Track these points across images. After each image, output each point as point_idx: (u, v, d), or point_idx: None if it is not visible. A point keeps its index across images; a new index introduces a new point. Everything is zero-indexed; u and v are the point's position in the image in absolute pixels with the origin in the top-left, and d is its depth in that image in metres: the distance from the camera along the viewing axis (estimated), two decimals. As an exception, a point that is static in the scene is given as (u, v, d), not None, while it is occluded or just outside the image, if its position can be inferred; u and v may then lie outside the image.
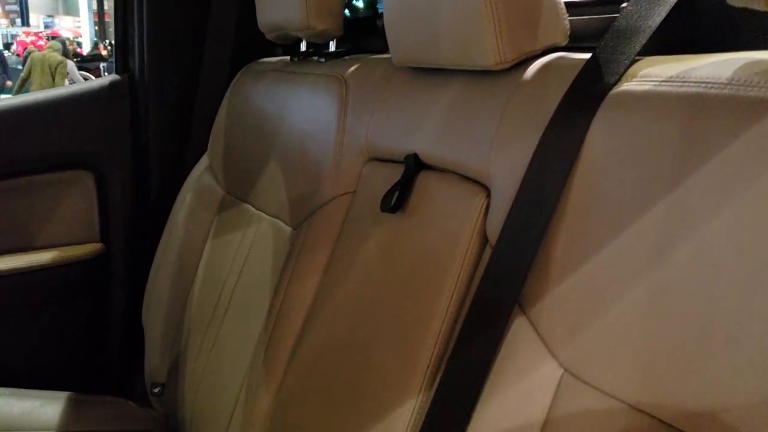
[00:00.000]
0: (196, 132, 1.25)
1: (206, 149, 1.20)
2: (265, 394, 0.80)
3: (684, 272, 0.41)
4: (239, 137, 1.09)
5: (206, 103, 1.23)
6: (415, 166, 0.70)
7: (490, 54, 0.60)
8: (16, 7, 14.99)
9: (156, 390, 1.12)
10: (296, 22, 0.92)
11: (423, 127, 0.71)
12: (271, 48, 1.25)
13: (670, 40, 0.53)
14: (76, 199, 1.24)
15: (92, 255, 1.24)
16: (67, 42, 7.46)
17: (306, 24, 0.91)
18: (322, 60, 0.99)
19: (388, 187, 0.72)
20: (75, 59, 7.56)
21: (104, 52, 9.16)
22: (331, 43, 1.08)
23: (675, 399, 0.40)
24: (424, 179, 0.70)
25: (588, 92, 0.51)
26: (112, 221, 1.26)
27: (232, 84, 1.16)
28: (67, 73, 6.57)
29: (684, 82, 0.44)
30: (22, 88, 6.39)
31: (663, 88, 0.46)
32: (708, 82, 0.43)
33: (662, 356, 0.41)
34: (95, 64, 8.57)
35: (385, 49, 0.99)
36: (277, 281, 0.86)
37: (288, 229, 0.91)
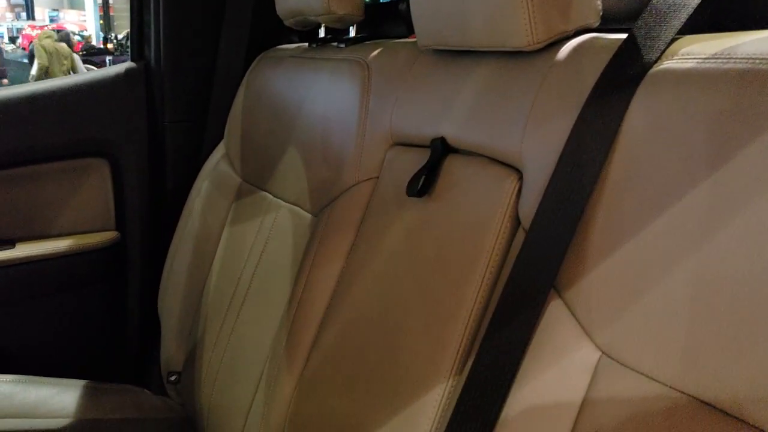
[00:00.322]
0: (213, 120, 1.25)
1: (222, 137, 1.19)
2: (288, 381, 0.79)
3: (730, 254, 0.40)
4: (257, 124, 1.08)
5: (222, 91, 1.23)
6: (442, 149, 0.69)
7: (522, 35, 0.59)
8: (21, 1, 14.99)
9: (172, 378, 1.12)
10: (316, 7, 0.92)
11: (451, 110, 0.70)
12: (287, 36, 1.24)
13: (711, 18, 0.52)
14: (91, 187, 1.24)
15: (108, 243, 1.24)
16: (71, 35, 7.50)
17: (327, 8, 0.90)
18: (342, 45, 0.98)
19: (413, 172, 0.71)
20: (81, 53, 7.60)
21: (110, 46, 9.18)
22: (351, 28, 1.06)
23: (722, 382, 0.39)
24: (451, 163, 0.69)
25: (626, 71, 0.50)
26: (128, 209, 1.26)
27: (249, 71, 1.15)
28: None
29: (730, 58, 0.43)
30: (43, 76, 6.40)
31: (708, 65, 0.45)
32: (757, 58, 0.42)
33: (709, 339, 0.40)
34: (101, 57, 8.59)
35: (406, 34, 0.98)
36: (298, 268, 0.86)
37: (308, 216, 0.90)
